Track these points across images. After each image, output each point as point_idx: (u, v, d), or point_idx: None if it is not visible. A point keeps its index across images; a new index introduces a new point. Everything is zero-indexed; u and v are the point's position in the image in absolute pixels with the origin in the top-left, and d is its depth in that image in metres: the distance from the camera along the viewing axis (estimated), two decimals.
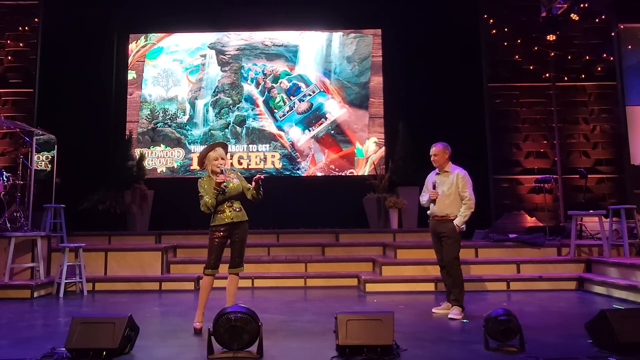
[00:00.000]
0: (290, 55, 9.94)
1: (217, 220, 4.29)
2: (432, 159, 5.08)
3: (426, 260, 6.60)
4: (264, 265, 7.35)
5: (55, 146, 8.23)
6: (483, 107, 9.18)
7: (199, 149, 9.28)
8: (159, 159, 9.69)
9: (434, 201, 5.00)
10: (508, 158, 8.97)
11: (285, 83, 9.86)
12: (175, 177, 9.58)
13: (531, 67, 8.97)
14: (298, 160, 9.67)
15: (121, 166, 8.71)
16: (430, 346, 3.78)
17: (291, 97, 9.81)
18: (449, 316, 4.76)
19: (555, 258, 7.02)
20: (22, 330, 4.42)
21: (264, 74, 9.88)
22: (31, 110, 8.93)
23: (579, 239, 7.14)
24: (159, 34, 10.02)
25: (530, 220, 8.59)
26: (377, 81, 9.83)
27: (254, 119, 9.79)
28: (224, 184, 4.18)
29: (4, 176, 6.87)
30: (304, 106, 9.79)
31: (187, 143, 9.72)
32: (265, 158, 9.68)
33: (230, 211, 4.28)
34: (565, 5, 8.36)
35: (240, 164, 9.58)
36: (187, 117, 9.81)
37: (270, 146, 9.72)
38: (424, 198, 5.17)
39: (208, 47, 9.99)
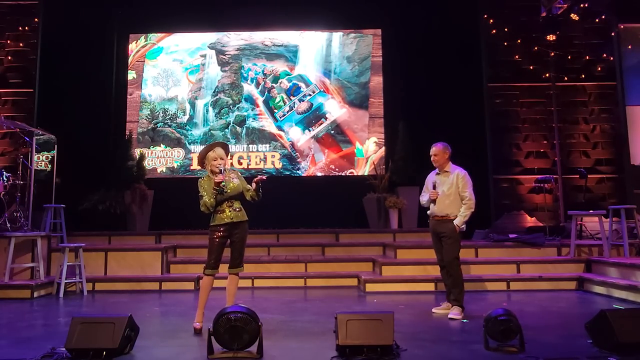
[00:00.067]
0: (290, 55, 9.95)
1: (216, 220, 4.30)
2: (432, 159, 5.08)
3: (426, 260, 6.60)
4: (264, 265, 7.35)
5: (55, 146, 8.23)
6: (483, 107, 9.18)
7: (199, 149, 9.26)
8: (159, 159, 9.69)
9: (434, 201, 5.00)
10: (508, 158, 8.97)
11: (285, 83, 9.86)
12: (175, 177, 9.58)
13: (531, 67, 8.97)
14: (298, 160, 9.67)
15: (121, 166, 8.71)
16: (430, 346, 3.78)
17: (291, 97, 9.82)
18: (449, 316, 4.76)
19: (555, 258, 7.02)
20: (22, 330, 4.42)
21: (264, 74, 9.88)
22: (31, 110, 8.93)
23: (579, 239, 7.14)
24: (159, 34, 10.02)
25: (530, 220, 8.59)
26: (377, 81, 9.83)
27: (254, 119, 9.80)
28: (222, 183, 4.18)
29: (4, 176, 6.87)
30: (304, 106, 9.79)
31: (187, 143, 9.72)
32: (265, 158, 9.68)
33: (230, 211, 4.28)
34: (565, 5, 8.37)
35: (240, 164, 9.58)
36: (187, 117, 9.81)
37: (270, 146, 9.72)
38: (424, 198, 5.17)
39: (208, 47, 9.99)
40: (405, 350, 3.56)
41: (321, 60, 9.95)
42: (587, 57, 8.98)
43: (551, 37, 8.68)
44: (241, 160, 9.64)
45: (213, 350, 3.46)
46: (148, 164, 9.40)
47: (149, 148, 9.69)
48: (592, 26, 8.98)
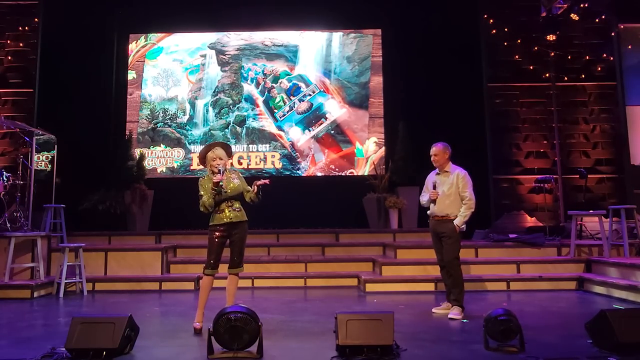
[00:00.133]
0: (290, 55, 9.95)
1: (215, 219, 4.30)
2: (432, 159, 5.08)
3: (426, 260, 6.60)
4: (264, 265, 7.35)
5: (55, 146, 8.23)
6: (483, 107, 9.18)
7: (199, 149, 9.21)
8: (159, 159, 9.69)
9: (434, 201, 5.00)
10: (508, 158, 8.97)
11: (285, 83, 9.86)
12: (175, 177, 9.58)
13: (531, 67, 8.97)
14: (298, 160, 9.67)
15: (121, 166, 8.71)
16: (430, 346, 3.78)
17: (291, 97, 9.82)
18: (449, 316, 4.76)
19: (555, 258, 7.02)
20: (22, 330, 4.42)
21: (264, 74, 9.88)
22: (31, 110, 8.93)
23: (579, 239, 7.14)
24: (159, 34, 10.02)
25: (530, 220, 8.59)
26: (377, 81, 9.83)
27: (254, 119, 9.80)
28: (220, 183, 4.19)
29: (4, 176, 6.87)
30: (304, 106, 9.79)
31: (187, 143, 9.72)
32: (265, 158, 9.68)
33: (229, 211, 4.29)
34: (565, 5, 8.36)
35: (240, 164, 9.58)
36: (187, 117, 9.81)
37: (270, 146, 9.72)
38: (424, 198, 5.17)
39: (208, 47, 9.99)
40: (405, 350, 3.56)
41: (321, 60, 9.95)
42: (587, 57, 8.98)
43: (551, 37, 8.67)
44: (241, 161, 9.64)
45: (213, 350, 3.46)
46: (148, 164, 9.40)
47: (149, 148, 9.70)
48: (592, 26, 8.98)
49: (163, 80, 9.91)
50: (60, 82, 9.19)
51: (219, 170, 4.22)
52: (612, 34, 8.95)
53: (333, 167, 9.67)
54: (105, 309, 5.61)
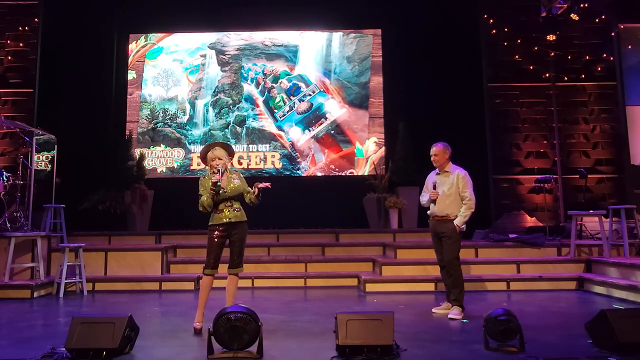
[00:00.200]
0: (290, 55, 9.95)
1: (215, 219, 4.30)
2: (432, 159, 5.08)
3: (426, 260, 6.60)
4: (264, 265, 7.35)
5: (55, 146, 8.22)
6: (483, 107, 9.18)
7: (199, 149, 9.26)
8: (159, 159, 9.69)
9: (434, 201, 5.00)
10: (508, 158, 8.97)
11: (285, 83, 9.86)
12: (175, 177, 9.58)
13: (531, 67, 8.97)
14: (298, 160, 9.67)
15: (121, 166, 8.71)
16: (430, 346, 3.78)
17: (291, 97, 9.82)
18: (449, 316, 4.76)
19: (555, 258, 7.02)
20: (22, 330, 4.42)
21: (264, 74, 9.88)
22: (31, 110, 8.93)
23: (579, 239, 7.14)
24: (159, 34, 10.02)
25: (530, 220, 8.60)
26: (377, 81, 9.83)
27: (254, 119, 9.80)
28: (219, 183, 4.19)
29: (4, 176, 6.87)
30: (304, 106, 9.79)
31: (187, 143, 9.72)
32: (265, 158, 9.68)
33: (229, 211, 4.29)
34: (565, 5, 8.36)
35: (240, 164, 9.57)
36: (187, 117, 9.81)
37: (270, 146, 9.72)
38: (424, 198, 5.17)
39: (208, 47, 9.99)
40: (405, 350, 3.56)
41: (321, 60, 9.95)
42: (587, 57, 8.98)
43: (551, 37, 8.67)
44: (241, 161, 9.64)
45: (213, 350, 3.46)
46: (148, 164, 9.40)
47: (149, 148, 9.69)
48: (592, 26, 8.98)
49: (163, 80, 9.91)
50: (60, 82, 9.19)
51: (218, 170, 4.23)
52: (612, 34, 8.95)
53: (333, 167, 9.67)
54: (105, 309, 5.61)
